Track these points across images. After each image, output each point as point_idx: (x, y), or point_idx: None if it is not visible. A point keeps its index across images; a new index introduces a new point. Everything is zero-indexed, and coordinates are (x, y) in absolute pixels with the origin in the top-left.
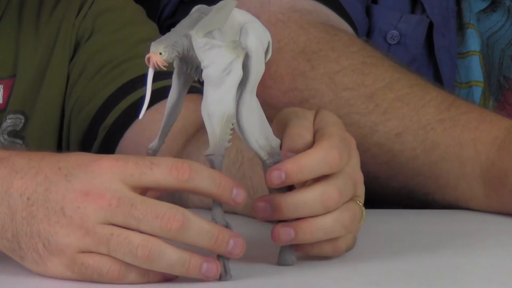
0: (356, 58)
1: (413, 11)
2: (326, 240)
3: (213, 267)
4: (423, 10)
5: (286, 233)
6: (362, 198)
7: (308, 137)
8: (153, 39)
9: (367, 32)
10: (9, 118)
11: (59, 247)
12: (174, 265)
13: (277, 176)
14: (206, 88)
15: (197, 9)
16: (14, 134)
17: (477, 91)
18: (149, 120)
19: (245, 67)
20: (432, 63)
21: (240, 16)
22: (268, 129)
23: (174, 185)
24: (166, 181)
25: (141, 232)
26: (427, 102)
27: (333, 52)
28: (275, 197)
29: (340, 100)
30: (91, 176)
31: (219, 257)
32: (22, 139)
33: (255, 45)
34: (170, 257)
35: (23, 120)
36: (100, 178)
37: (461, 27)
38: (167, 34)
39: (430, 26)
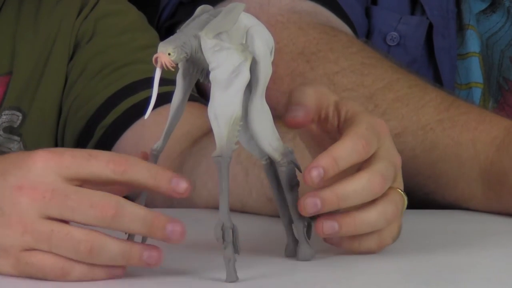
0: (355, 59)
1: (412, 13)
2: (372, 235)
3: (154, 254)
4: (423, 12)
5: (330, 226)
6: (401, 184)
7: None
8: (154, 46)
9: (366, 33)
10: (4, 114)
11: (2, 248)
12: (116, 256)
13: (317, 174)
14: (214, 90)
15: (201, 9)
16: (11, 130)
17: (477, 92)
18: (151, 122)
19: (253, 72)
20: (432, 65)
21: (245, 19)
22: (276, 129)
23: (110, 177)
24: (103, 173)
25: (76, 222)
26: (427, 103)
27: (332, 53)
28: (323, 191)
29: None
30: (25, 171)
31: (225, 258)
32: (20, 135)
33: (262, 50)
34: (112, 249)
35: (20, 117)
36: (34, 172)
37: (460, 28)
38: (176, 35)
39: (430, 27)
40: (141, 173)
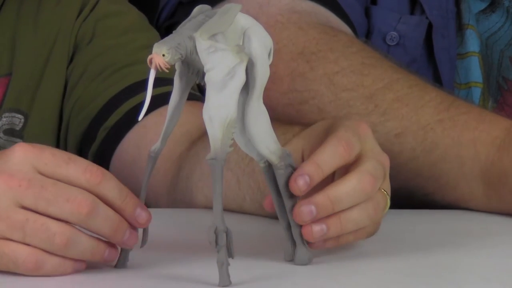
0: (355, 59)
1: (412, 12)
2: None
3: (113, 252)
4: (423, 11)
5: (319, 230)
6: (387, 186)
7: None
8: None
9: (366, 33)
10: (4, 117)
11: None
12: (86, 251)
13: (303, 182)
14: (208, 92)
15: (199, 9)
16: (12, 133)
17: (476, 92)
18: (153, 122)
19: (250, 73)
20: (431, 64)
21: (243, 20)
22: (273, 132)
23: (83, 186)
24: (78, 179)
25: (49, 215)
26: (426, 103)
27: (332, 53)
28: (316, 196)
29: (340, 101)
30: (3, 161)
31: (218, 262)
32: (22, 138)
33: (259, 51)
34: (84, 244)
35: (22, 120)
36: (12, 161)
37: (460, 28)
38: (171, 36)
39: (430, 27)
40: (113, 191)
